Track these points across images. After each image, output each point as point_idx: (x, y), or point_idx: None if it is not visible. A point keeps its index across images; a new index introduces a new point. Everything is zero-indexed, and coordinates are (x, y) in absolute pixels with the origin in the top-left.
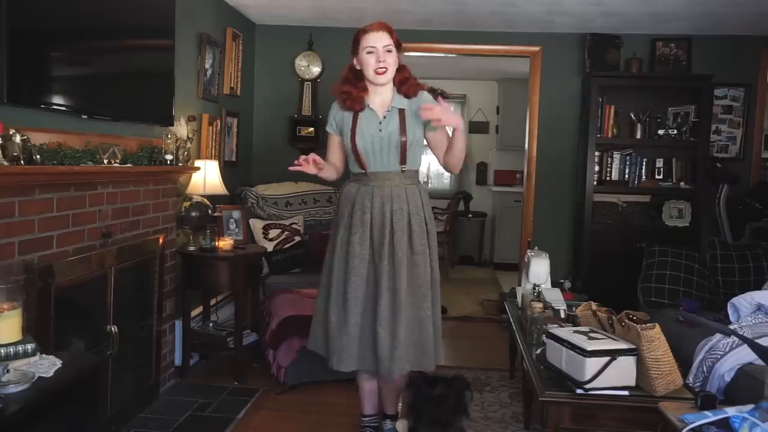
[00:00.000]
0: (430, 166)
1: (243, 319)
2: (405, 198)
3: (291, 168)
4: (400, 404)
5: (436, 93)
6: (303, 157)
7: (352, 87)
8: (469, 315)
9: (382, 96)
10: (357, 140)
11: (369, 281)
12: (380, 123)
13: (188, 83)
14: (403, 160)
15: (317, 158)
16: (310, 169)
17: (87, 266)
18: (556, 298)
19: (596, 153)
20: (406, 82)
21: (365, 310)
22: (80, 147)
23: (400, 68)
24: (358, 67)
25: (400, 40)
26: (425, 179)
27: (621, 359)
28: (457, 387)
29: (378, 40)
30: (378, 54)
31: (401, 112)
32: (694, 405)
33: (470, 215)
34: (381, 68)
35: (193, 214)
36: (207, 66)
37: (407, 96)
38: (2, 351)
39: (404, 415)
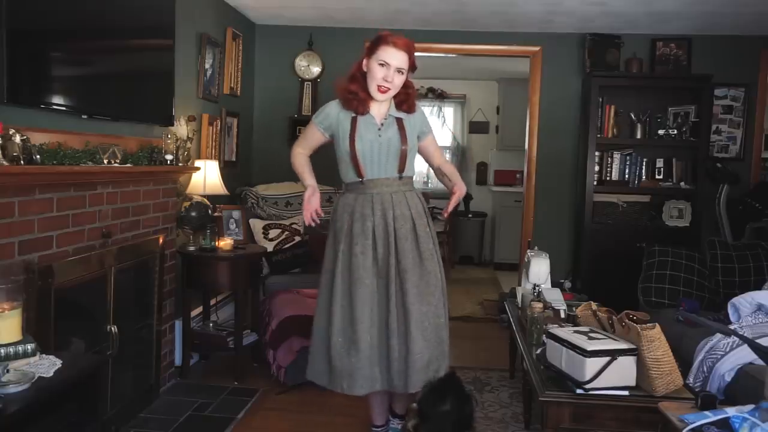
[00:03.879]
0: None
1: (243, 319)
2: (406, 203)
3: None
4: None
5: (435, 93)
6: (313, 218)
7: (360, 88)
8: (469, 315)
9: (379, 105)
10: (356, 145)
11: (377, 293)
12: (379, 129)
13: (188, 83)
14: (402, 167)
15: (319, 210)
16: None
17: (87, 266)
18: (556, 298)
19: (596, 153)
20: (406, 101)
21: (374, 323)
22: (80, 147)
23: (405, 85)
24: (365, 70)
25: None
26: (425, 179)
27: (621, 359)
28: (464, 408)
29: (394, 59)
30: (388, 72)
31: (399, 120)
32: (695, 405)
33: (470, 215)
34: (384, 87)
35: (193, 214)
36: (207, 66)
37: (407, 113)
38: (2, 351)
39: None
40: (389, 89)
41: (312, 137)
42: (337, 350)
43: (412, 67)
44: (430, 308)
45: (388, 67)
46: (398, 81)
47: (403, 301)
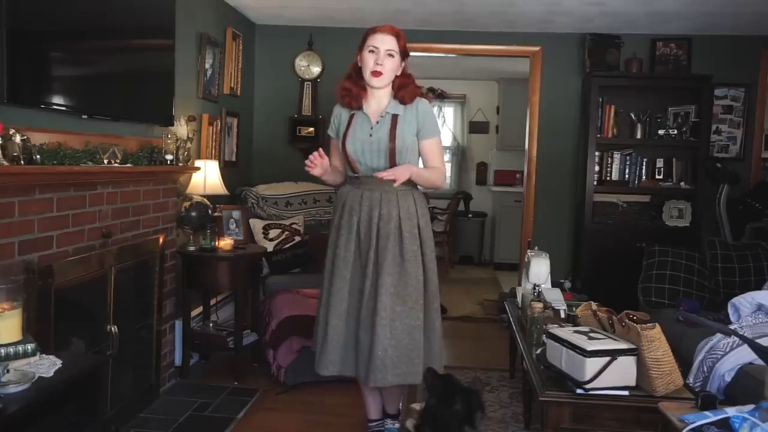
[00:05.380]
0: None
1: (243, 319)
2: (396, 203)
3: (308, 168)
4: (401, 404)
5: (435, 93)
6: (316, 156)
7: (353, 84)
8: (469, 315)
9: (378, 100)
10: (348, 144)
11: (354, 285)
12: (372, 128)
13: (188, 83)
14: (392, 166)
15: (326, 160)
16: (316, 171)
17: (87, 266)
18: (556, 298)
19: (596, 153)
20: (404, 87)
21: (349, 313)
22: (80, 147)
23: (404, 74)
24: (360, 65)
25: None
26: None
27: (621, 359)
28: (471, 405)
29: (382, 42)
30: (378, 55)
31: (394, 118)
32: (695, 405)
33: (470, 215)
34: (377, 70)
35: (193, 214)
36: (207, 66)
37: (403, 102)
38: (2, 351)
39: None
40: (382, 72)
41: (333, 147)
42: (318, 332)
43: (404, 52)
44: (405, 309)
45: (378, 51)
46: (390, 64)
47: (376, 298)
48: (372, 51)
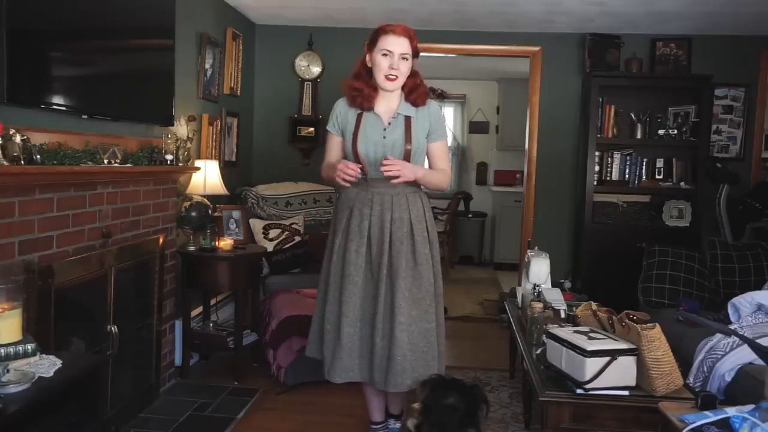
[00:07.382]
0: None
1: (243, 319)
2: (407, 206)
3: (345, 181)
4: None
5: (435, 93)
6: (357, 169)
7: (364, 84)
8: (469, 315)
9: (389, 101)
10: (359, 145)
11: (366, 290)
12: (385, 129)
13: (188, 83)
14: None
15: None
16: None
17: (87, 266)
18: (556, 298)
19: (596, 153)
20: (415, 90)
21: (362, 319)
22: (80, 147)
23: (412, 74)
24: (369, 65)
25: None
26: None
27: (621, 359)
28: (473, 399)
29: (397, 45)
30: (393, 60)
31: (407, 119)
32: (695, 405)
33: (470, 215)
34: (392, 75)
35: (193, 214)
36: (207, 66)
37: (416, 105)
38: (2, 351)
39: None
40: (397, 77)
41: (333, 146)
42: (327, 337)
43: (415, 52)
44: (420, 312)
45: (392, 55)
46: (404, 68)
47: (392, 303)
48: (385, 54)
